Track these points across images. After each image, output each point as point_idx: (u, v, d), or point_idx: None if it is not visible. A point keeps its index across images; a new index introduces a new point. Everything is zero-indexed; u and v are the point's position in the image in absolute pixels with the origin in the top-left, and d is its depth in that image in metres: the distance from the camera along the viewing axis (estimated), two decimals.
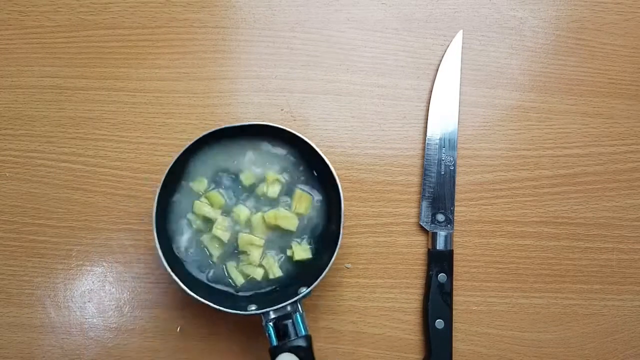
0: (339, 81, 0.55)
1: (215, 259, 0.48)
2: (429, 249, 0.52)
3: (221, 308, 0.43)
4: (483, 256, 0.53)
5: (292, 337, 0.43)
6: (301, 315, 0.44)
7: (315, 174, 0.49)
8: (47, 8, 0.55)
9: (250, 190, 0.49)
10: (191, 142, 0.46)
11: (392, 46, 0.56)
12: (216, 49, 0.55)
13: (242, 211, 0.48)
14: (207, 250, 0.48)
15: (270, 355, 0.43)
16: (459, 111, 0.55)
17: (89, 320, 0.51)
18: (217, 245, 0.48)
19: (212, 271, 0.48)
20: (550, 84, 0.56)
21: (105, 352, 0.50)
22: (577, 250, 0.54)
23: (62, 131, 0.53)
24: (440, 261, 0.51)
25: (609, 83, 0.57)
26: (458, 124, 0.55)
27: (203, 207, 0.47)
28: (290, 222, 0.48)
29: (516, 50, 0.57)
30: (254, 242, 0.47)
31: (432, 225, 0.53)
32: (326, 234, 0.48)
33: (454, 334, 0.51)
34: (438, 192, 0.53)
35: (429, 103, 0.55)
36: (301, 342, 0.43)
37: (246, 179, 0.48)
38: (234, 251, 0.48)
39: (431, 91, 0.55)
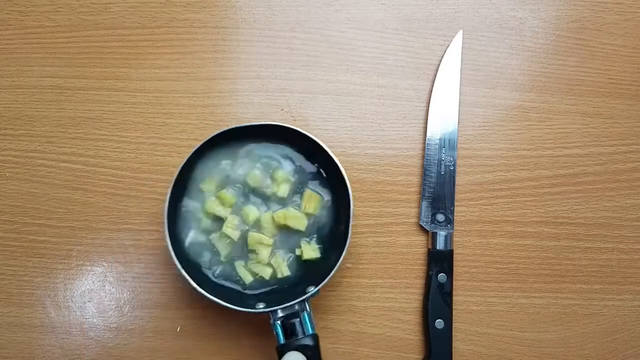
0: (339, 81, 0.55)
1: (223, 258, 0.48)
2: (429, 249, 0.52)
3: (231, 306, 0.44)
4: (483, 256, 0.53)
5: (300, 335, 0.43)
6: (309, 314, 0.44)
7: (325, 175, 0.49)
8: (47, 8, 0.55)
9: (259, 190, 0.49)
10: (201, 142, 0.46)
11: (392, 46, 0.56)
12: (216, 49, 0.55)
13: (252, 211, 0.48)
14: (215, 248, 0.48)
15: (277, 353, 0.43)
16: (459, 111, 0.55)
17: (89, 320, 0.51)
18: (225, 244, 0.48)
19: (219, 269, 0.48)
20: (550, 84, 0.56)
21: (105, 352, 0.50)
22: (577, 250, 0.54)
23: (62, 131, 0.53)
24: (440, 261, 0.51)
25: (609, 83, 0.57)
26: (458, 124, 0.55)
27: (214, 206, 0.48)
28: (299, 221, 0.48)
29: (516, 50, 0.57)
30: (263, 241, 0.48)
31: (432, 225, 0.53)
32: (334, 234, 0.49)
33: (454, 333, 0.51)
34: (438, 192, 0.53)
35: (429, 103, 0.55)
36: (308, 341, 0.43)
37: (254, 179, 0.49)
38: (243, 250, 0.48)
39: (431, 91, 0.55)
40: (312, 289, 0.44)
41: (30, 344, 0.50)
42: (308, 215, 0.48)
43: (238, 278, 0.48)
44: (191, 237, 0.48)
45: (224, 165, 0.49)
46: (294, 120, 0.54)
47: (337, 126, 0.55)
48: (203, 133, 0.53)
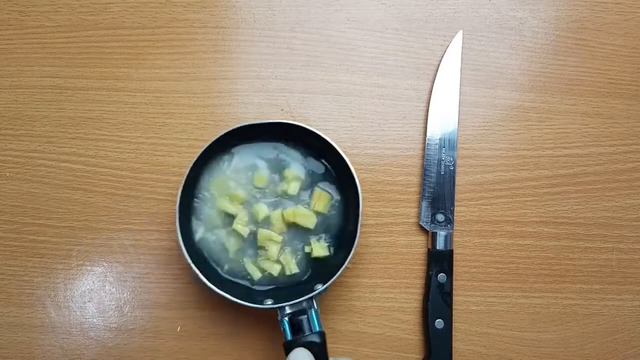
0: (339, 81, 0.55)
1: (232, 254, 0.48)
2: (428, 249, 0.52)
3: (240, 301, 0.44)
4: (483, 256, 0.53)
5: (307, 332, 0.44)
6: (316, 312, 0.45)
7: (334, 174, 0.50)
8: (47, 8, 0.55)
9: (269, 188, 0.49)
10: (213, 140, 0.47)
11: (392, 46, 0.56)
12: (216, 49, 0.55)
13: (261, 208, 0.49)
14: (224, 245, 0.49)
15: (284, 349, 0.44)
16: (459, 111, 0.55)
17: (89, 320, 0.51)
18: (235, 241, 0.48)
19: (228, 266, 0.49)
20: (550, 84, 0.56)
21: (105, 352, 0.50)
22: (577, 250, 0.54)
23: (62, 131, 0.53)
24: (440, 261, 0.51)
25: (609, 83, 0.57)
26: (458, 124, 0.55)
27: (224, 203, 0.48)
28: (308, 220, 0.48)
29: (516, 50, 0.57)
30: (272, 237, 0.48)
31: (432, 225, 0.53)
32: (343, 233, 0.49)
33: (453, 333, 0.51)
34: (438, 192, 0.53)
35: (429, 103, 0.55)
36: (315, 338, 0.43)
37: (261, 178, 0.49)
38: (252, 247, 0.49)
39: (431, 91, 0.55)
40: (319, 287, 0.45)
41: (30, 344, 0.50)
42: (317, 213, 0.49)
43: (247, 274, 0.48)
44: (201, 233, 0.49)
45: (234, 163, 0.50)
46: (294, 120, 0.54)
47: (337, 126, 0.55)
48: (203, 133, 0.54)
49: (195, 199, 0.49)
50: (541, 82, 0.56)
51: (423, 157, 0.54)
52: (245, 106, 0.54)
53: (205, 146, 0.47)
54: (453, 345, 0.50)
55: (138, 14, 0.55)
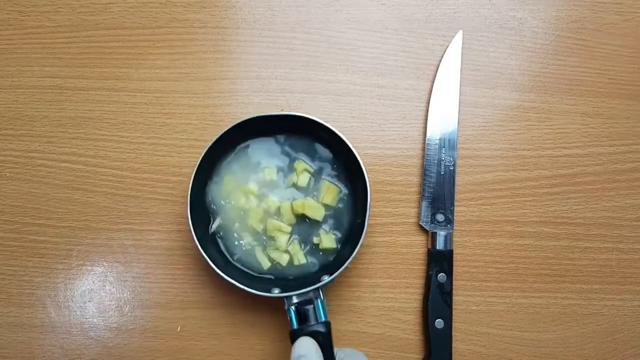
0: (339, 81, 0.55)
1: (245, 246, 0.50)
2: (428, 249, 0.52)
3: (248, 289, 0.45)
4: (483, 256, 0.53)
5: (312, 322, 0.45)
6: (322, 302, 0.45)
7: (343, 168, 0.51)
8: (48, 8, 0.55)
9: (280, 180, 0.51)
10: (229, 127, 0.48)
11: (392, 46, 0.56)
12: (216, 49, 0.55)
13: (272, 200, 0.50)
14: (237, 235, 0.50)
15: (290, 337, 0.44)
16: (459, 111, 0.55)
17: (90, 320, 0.51)
18: (248, 233, 0.50)
19: (237, 256, 0.50)
20: (550, 84, 0.56)
21: (105, 352, 0.50)
22: (576, 250, 0.54)
23: (62, 131, 0.53)
24: (440, 261, 0.51)
25: (609, 83, 0.57)
26: (458, 124, 0.55)
27: (238, 197, 0.50)
28: (317, 212, 0.49)
29: (516, 50, 0.57)
30: (282, 228, 0.49)
31: (432, 225, 0.53)
32: (350, 227, 0.50)
33: (453, 333, 0.51)
34: (438, 192, 0.53)
35: (429, 103, 0.55)
36: (321, 328, 0.44)
37: (270, 172, 0.50)
38: (263, 237, 0.50)
39: (431, 91, 0.55)
40: (326, 278, 0.46)
41: (30, 344, 0.50)
42: (325, 206, 0.50)
43: (256, 263, 0.49)
44: (216, 224, 0.50)
45: (245, 157, 0.51)
46: None
47: (337, 126, 0.54)
48: (203, 133, 0.54)
49: (207, 191, 0.50)
50: (541, 82, 0.56)
51: (423, 157, 0.54)
52: (246, 106, 0.54)
53: (222, 132, 0.48)
54: (453, 345, 0.51)
55: (138, 14, 0.55)
